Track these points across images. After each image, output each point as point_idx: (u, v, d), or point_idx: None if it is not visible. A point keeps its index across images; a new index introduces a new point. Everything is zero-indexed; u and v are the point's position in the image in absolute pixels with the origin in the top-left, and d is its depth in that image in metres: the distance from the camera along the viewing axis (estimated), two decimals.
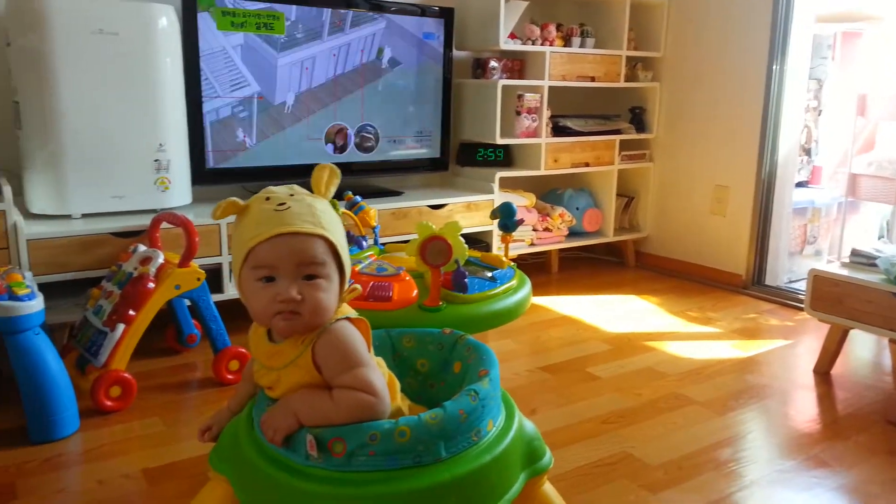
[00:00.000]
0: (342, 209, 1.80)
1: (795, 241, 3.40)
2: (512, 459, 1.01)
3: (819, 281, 2.20)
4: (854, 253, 2.23)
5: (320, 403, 0.93)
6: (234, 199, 0.99)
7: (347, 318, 0.99)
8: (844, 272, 2.17)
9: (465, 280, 1.39)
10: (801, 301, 2.99)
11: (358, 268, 1.48)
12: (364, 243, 1.77)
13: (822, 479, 1.65)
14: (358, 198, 1.88)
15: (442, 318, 1.32)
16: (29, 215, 2.17)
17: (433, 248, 1.28)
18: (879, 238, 3.58)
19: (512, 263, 1.60)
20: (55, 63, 2.06)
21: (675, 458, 1.72)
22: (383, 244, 1.87)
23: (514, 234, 1.62)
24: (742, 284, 3.21)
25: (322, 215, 0.97)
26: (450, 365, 1.17)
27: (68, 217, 2.20)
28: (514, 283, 1.50)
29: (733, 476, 1.65)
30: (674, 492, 1.57)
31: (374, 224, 1.85)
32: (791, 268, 3.33)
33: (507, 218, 1.59)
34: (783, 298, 3.06)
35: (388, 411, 0.95)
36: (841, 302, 2.15)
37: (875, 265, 2.15)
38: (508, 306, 1.42)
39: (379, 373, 0.97)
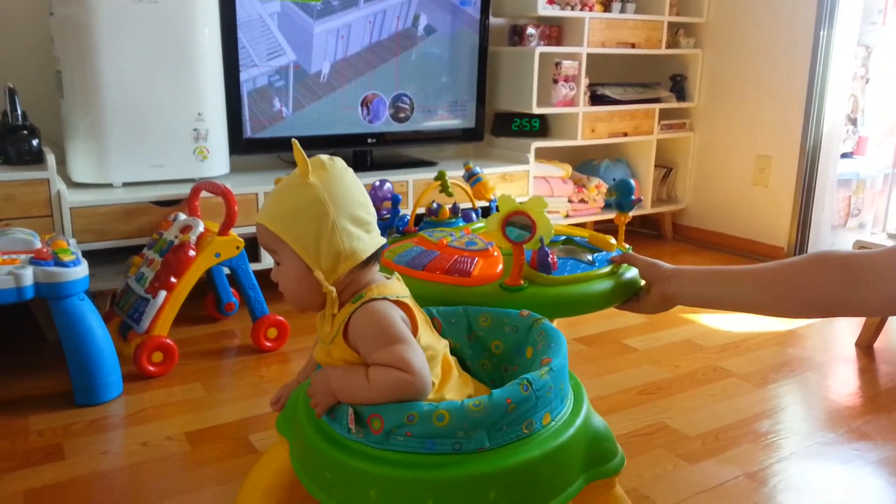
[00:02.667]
0: (450, 180, 1.72)
1: (839, 214, 3.32)
2: (570, 457, 0.95)
3: None
4: None
5: (356, 381, 0.92)
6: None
7: (385, 299, 0.96)
8: (891, 244, 2.10)
9: (549, 259, 1.29)
10: None
11: (447, 241, 1.44)
12: (474, 216, 1.73)
13: (863, 452, 1.62)
14: (476, 169, 1.83)
15: (522, 299, 1.23)
16: (71, 184, 2.21)
17: (515, 223, 1.20)
18: None
19: (626, 246, 1.47)
20: (96, 32, 2.07)
21: (713, 429, 1.70)
22: None
23: (629, 214, 1.48)
24: (783, 257, 3.14)
25: (281, 202, 0.96)
26: (523, 349, 1.11)
27: (109, 186, 2.23)
28: (614, 268, 1.38)
29: (772, 448, 1.63)
30: (712, 462, 1.56)
31: (491, 197, 1.79)
32: (833, 241, 3.26)
33: (623, 196, 1.47)
34: None
35: (427, 391, 0.92)
36: None
37: None
38: (598, 291, 1.29)
39: (420, 351, 0.94)
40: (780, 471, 1.54)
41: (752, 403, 1.85)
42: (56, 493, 1.42)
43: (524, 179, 2.91)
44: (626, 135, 3.19)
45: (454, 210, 1.67)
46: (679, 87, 3.36)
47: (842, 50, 2.93)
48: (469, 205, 1.81)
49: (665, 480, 1.49)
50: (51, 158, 2.03)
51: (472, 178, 1.80)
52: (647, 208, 3.38)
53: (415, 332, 0.97)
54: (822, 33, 2.89)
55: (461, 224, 1.66)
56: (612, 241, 1.48)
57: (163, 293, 1.92)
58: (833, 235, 3.25)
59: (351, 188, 0.98)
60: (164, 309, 1.93)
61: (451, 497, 0.88)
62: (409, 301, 1.00)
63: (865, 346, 2.23)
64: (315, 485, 0.96)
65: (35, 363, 2.01)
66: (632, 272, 1.40)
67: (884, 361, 2.15)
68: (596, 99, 3.10)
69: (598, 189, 3.17)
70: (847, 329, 2.40)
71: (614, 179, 3.27)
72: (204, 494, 1.43)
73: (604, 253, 1.45)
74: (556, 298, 1.27)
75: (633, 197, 1.49)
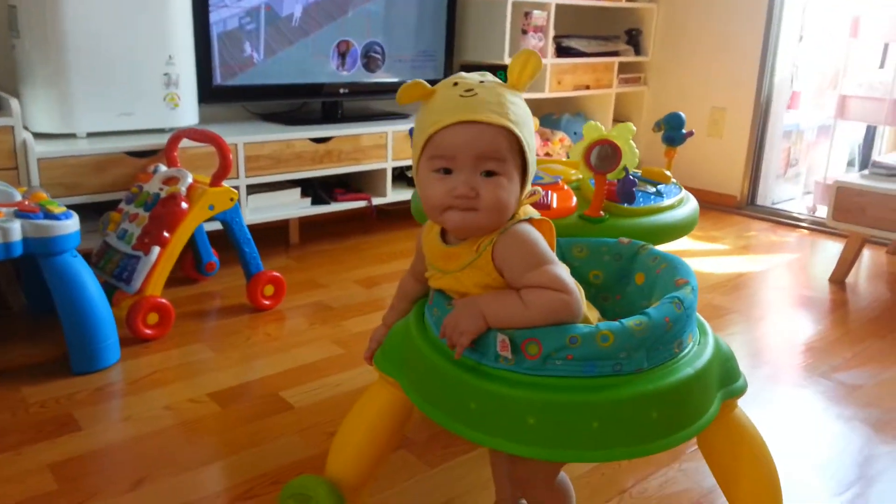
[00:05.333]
0: None
1: (780, 164, 3.48)
2: (711, 376, 0.94)
3: (843, 192, 2.25)
4: (875, 164, 2.28)
5: (510, 304, 0.86)
6: (421, 80, 0.90)
7: (530, 220, 0.91)
8: (867, 182, 2.22)
9: (635, 189, 1.27)
10: (793, 219, 3.09)
11: None
12: None
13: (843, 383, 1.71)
14: None
15: (603, 230, 1.21)
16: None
17: (600, 152, 1.16)
18: (849, 162, 3.71)
19: (674, 180, 1.48)
20: None
21: None
22: None
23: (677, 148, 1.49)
24: (736, 205, 3.27)
25: (512, 106, 0.87)
26: (629, 276, 1.08)
27: (73, 136, 2.02)
28: (678, 199, 1.38)
29: (775, 380, 1.69)
30: None
31: None
32: (776, 189, 3.41)
33: (673, 129, 1.44)
34: (776, 217, 3.15)
35: (582, 311, 0.88)
36: (864, 211, 2.21)
37: None
38: (677, 220, 1.31)
39: (567, 270, 0.90)
40: (776, 398, 1.61)
41: (756, 338, 1.92)
42: (85, 464, 1.28)
43: None
44: (588, 88, 3.21)
45: None
46: (634, 42, 3.40)
47: (792, 3, 3.05)
48: None
49: None
50: (15, 104, 1.80)
51: None
52: None
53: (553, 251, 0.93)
54: None
55: None
56: (668, 173, 1.47)
57: (156, 249, 1.76)
58: (776, 185, 3.41)
59: None
60: (158, 266, 1.78)
61: (615, 419, 0.85)
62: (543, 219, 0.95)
63: (839, 282, 2.35)
64: (453, 419, 0.90)
65: (9, 332, 1.80)
66: (692, 203, 1.41)
67: (854, 293, 2.28)
68: (561, 51, 3.09)
69: (561, 143, 3.17)
70: (817, 266, 2.53)
71: (575, 133, 3.29)
72: (244, 457, 1.32)
73: (665, 185, 1.44)
74: (639, 228, 1.26)
75: (684, 131, 1.48)
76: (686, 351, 0.92)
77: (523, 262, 0.88)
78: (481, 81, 0.88)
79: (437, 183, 0.87)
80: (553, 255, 0.90)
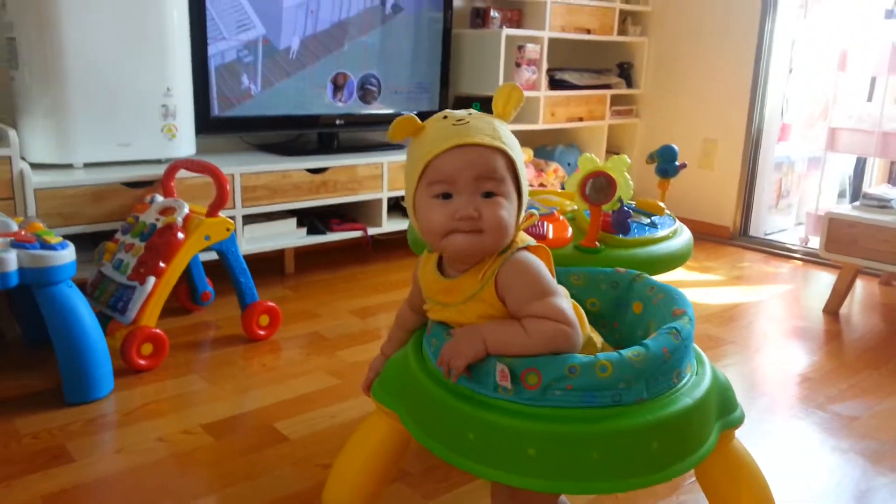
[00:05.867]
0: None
1: (771, 196, 3.51)
2: (710, 407, 0.94)
3: (835, 223, 2.27)
4: (866, 196, 2.31)
5: (512, 332, 0.87)
6: (412, 115, 0.92)
7: (527, 247, 0.93)
8: (858, 214, 2.24)
9: (629, 220, 1.29)
10: (786, 250, 3.11)
11: None
12: None
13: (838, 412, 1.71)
14: None
15: (599, 261, 1.23)
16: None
17: (595, 183, 1.18)
18: (840, 193, 3.75)
19: (669, 211, 1.51)
20: None
21: None
22: None
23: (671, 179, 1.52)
24: (729, 236, 3.29)
25: (503, 131, 0.90)
26: (626, 305, 1.10)
27: (69, 167, 2.02)
28: (673, 230, 1.41)
29: (772, 412, 1.69)
30: None
31: None
32: (769, 220, 3.44)
33: (666, 162, 1.47)
34: (769, 248, 3.17)
35: (581, 343, 0.89)
36: (856, 242, 2.23)
37: (888, 206, 2.23)
38: (672, 251, 1.33)
39: (569, 301, 0.91)
40: (773, 430, 1.61)
41: (754, 369, 1.92)
42: (78, 497, 1.26)
43: None
44: (581, 119, 3.24)
45: None
46: (626, 75, 3.44)
47: (782, 38, 3.10)
48: None
49: None
50: (13, 134, 1.81)
51: None
52: None
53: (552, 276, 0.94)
54: (767, 23, 3.05)
55: None
56: (662, 205, 1.48)
57: (151, 279, 1.76)
58: (769, 216, 3.43)
59: None
60: (153, 296, 1.77)
61: (615, 450, 0.84)
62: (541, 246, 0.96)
63: (832, 313, 2.36)
64: (450, 450, 0.89)
65: (2, 362, 1.79)
66: (685, 234, 1.42)
67: (847, 325, 2.28)
68: (554, 83, 3.13)
69: (555, 174, 3.20)
70: (810, 298, 2.53)
71: (569, 164, 3.32)
72: (238, 490, 1.31)
73: (658, 217, 1.45)
74: (634, 259, 1.27)
75: (677, 163, 1.50)
76: (684, 381, 0.93)
77: (527, 291, 0.89)
78: (469, 113, 0.92)
79: (438, 208, 0.89)
80: (555, 286, 0.91)
